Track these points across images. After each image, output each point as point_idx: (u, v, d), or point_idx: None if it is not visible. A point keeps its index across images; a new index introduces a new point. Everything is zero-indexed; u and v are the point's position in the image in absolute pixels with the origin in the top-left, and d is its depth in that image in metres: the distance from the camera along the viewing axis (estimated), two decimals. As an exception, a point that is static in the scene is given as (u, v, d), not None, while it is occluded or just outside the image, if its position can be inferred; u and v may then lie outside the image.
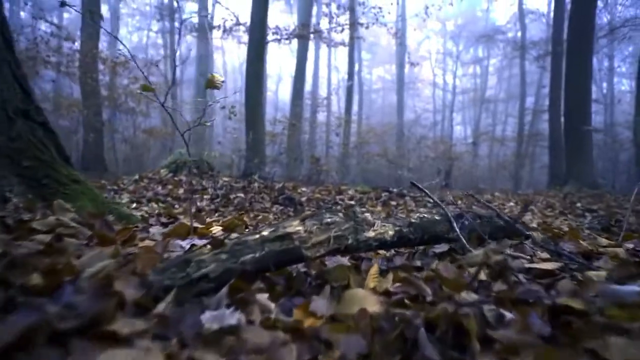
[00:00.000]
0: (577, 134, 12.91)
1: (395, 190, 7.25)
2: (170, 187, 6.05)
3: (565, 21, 20.91)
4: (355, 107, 32.70)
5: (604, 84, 30.70)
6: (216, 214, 4.74)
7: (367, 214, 1.68)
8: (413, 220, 1.85)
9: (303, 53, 19.51)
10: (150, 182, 6.39)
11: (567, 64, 13.48)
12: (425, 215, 2.00)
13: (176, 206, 5.09)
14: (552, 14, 26.16)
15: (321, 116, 25.06)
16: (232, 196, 5.71)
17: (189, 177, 6.71)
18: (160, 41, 30.58)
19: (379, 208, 5.77)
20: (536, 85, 31.06)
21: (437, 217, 1.99)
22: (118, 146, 15.57)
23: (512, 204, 6.83)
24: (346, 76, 21.73)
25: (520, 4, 28.18)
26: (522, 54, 26.33)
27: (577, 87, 13.08)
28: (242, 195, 5.73)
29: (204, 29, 19.57)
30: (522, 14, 28.05)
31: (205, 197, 5.61)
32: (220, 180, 6.66)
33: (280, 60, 44.28)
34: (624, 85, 38.50)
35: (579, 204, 7.26)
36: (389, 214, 5.38)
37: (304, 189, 6.66)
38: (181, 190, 5.77)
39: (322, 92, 32.06)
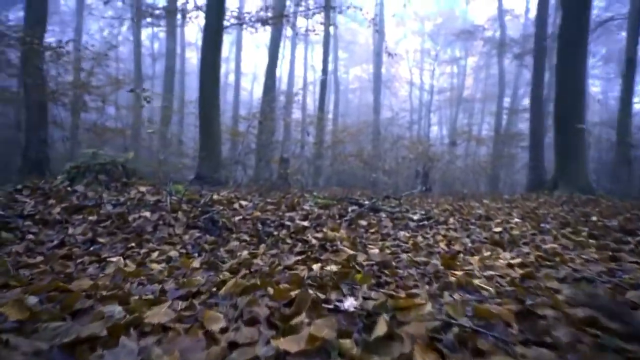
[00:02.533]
0: (570, 132, 11.27)
1: (366, 202, 5.43)
2: (52, 202, 4.16)
3: (550, 17, 19.50)
4: (331, 107, 30.98)
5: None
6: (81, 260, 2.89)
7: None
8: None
9: (275, 44, 17.57)
10: (31, 195, 4.49)
11: (559, 57, 11.83)
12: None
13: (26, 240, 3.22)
14: (530, 13, 24.76)
15: (296, 115, 23.24)
16: (133, 216, 3.85)
17: (87, 188, 4.81)
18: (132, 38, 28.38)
19: (342, 232, 3.97)
20: (512, 85, 29.73)
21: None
22: (60, 146, 13.42)
23: (517, 220, 5.10)
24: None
25: (500, 1, 26.72)
26: (500, 52, 24.90)
27: (571, 83, 11.43)
28: (148, 214, 3.88)
29: (167, 15, 17.48)
30: (501, 11, 26.58)
31: (90, 218, 3.73)
32: (133, 191, 4.79)
33: (255, 59, 42.36)
34: (596, 86, 37.67)
35: (594, 217, 5.54)
36: (353, 243, 3.56)
37: (243, 202, 4.86)
38: (56, 210, 3.87)
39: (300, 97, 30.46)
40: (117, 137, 15.20)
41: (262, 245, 3.36)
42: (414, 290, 1.93)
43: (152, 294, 1.82)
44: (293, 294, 1.65)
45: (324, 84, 17.83)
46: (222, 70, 38.40)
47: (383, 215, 5.04)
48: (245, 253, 3.08)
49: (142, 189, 5.01)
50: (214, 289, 1.78)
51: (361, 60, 41.29)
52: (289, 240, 3.56)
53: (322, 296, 1.67)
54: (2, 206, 3.91)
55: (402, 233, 4.07)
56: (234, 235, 3.65)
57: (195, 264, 2.80)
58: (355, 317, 1.47)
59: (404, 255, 3.04)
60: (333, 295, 1.76)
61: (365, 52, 38.31)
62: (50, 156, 12.11)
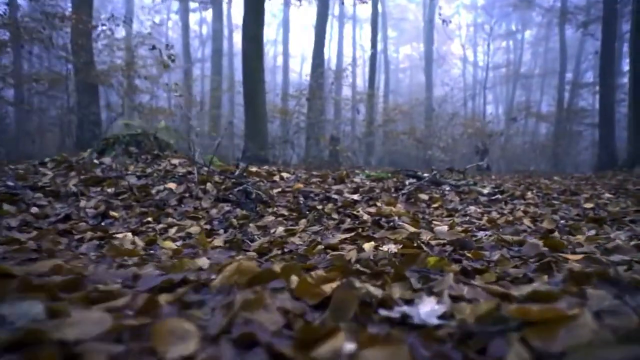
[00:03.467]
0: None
1: (426, 175, 4.66)
2: (72, 174, 3.69)
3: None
4: (381, 86, 29.90)
5: None
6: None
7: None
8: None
9: (322, 19, 16.69)
10: (55, 167, 4.05)
11: (635, 22, 10.44)
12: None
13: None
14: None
15: (345, 93, 22.40)
16: (157, 189, 3.31)
17: (114, 160, 4.32)
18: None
19: (399, 206, 3.27)
20: (575, 58, 27.54)
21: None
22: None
23: (608, 195, 4.20)
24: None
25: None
26: (562, 22, 22.92)
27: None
28: (173, 186, 3.33)
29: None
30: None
31: (109, 190, 3.22)
32: (164, 163, 4.27)
33: (303, 41, 41.65)
34: None
35: None
36: (415, 219, 2.83)
37: (285, 174, 4.23)
38: (73, 181, 3.37)
39: (349, 76, 29.53)
40: (167, 118, 14.98)
41: (303, 221, 2.72)
42: (523, 284, 1.21)
43: (122, 281, 1.20)
44: (329, 287, 0.98)
45: (373, 59, 16.82)
46: (270, 53, 38.01)
47: (447, 188, 4.27)
48: (280, 229, 2.45)
49: (175, 161, 4.48)
50: (213, 277, 1.14)
51: (411, 38, 39.73)
52: (335, 215, 2.90)
53: (377, 293, 0.98)
54: (16, 177, 3.47)
55: (472, 208, 3.33)
56: (270, 210, 3.03)
57: (218, 241, 2.19)
58: (445, 340, 0.76)
59: (481, 233, 2.31)
60: (396, 292, 1.06)
61: (415, 29, 36.77)
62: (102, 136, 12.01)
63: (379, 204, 3.34)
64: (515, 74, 29.56)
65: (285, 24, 32.04)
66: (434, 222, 2.78)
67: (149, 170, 3.97)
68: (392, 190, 4.03)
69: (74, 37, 11.68)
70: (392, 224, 2.55)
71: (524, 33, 32.47)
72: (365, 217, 2.87)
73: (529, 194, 4.08)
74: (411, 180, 4.57)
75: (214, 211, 2.97)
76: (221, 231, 2.55)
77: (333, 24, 34.17)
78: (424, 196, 3.82)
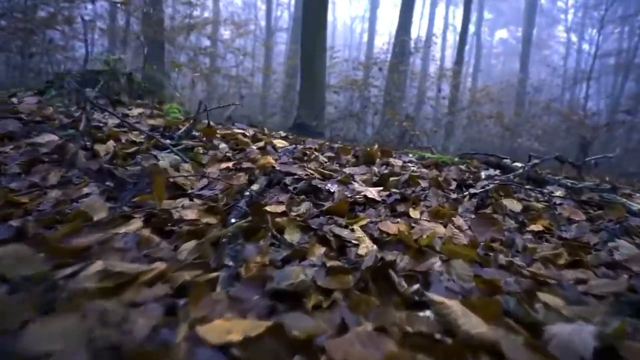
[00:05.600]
0: None
1: (518, 166, 2.69)
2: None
3: None
4: (470, 70, 26.90)
5: None
6: None
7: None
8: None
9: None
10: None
11: None
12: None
13: None
14: None
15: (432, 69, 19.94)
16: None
17: (42, 104, 2.80)
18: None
19: (458, 222, 1.48)
20: None
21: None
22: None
23: None
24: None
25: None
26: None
27: None
28: (46, 140, 1.76)
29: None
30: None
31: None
32: (133, 117, 2.69)
33: (392, 18, 38.95)
34: None
35: None
36: (486, 259, 0.98)
37: (280, 142, 2.47)
38: None
39: (436, 52, 26.64)
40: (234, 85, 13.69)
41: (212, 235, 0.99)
42: None
43: None
44: None
45: (465, 27, 14.18)
46: (357, 29, 35.82)
47: (556, 193, 2.30)
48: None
49: (137, 111, 2.90)
50: None
51: (508, 21, 35.67)
52: (294, 236, 1.15)
53: None
54: None
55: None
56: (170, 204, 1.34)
57: None
58: None
59: None
60: None
61: (514, 10, 32.80)
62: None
63: (416, 212, 1.54)
64: (628, 64, 25.14)
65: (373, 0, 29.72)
66: (540, 276, 0.97)
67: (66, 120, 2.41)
68: (454, 186, 2.16)
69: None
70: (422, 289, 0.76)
71: (643, 18, 27.56)
72: (365, 248, 1.12)
73: None
74: (491, 171, 2.67)
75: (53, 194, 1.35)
76: None
77: (425, 3, 31.37)
78: (513, 204, 1.93)
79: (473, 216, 1.76)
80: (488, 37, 36.16)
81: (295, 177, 1.87)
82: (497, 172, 2.67)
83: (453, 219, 1.61)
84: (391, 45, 12.81)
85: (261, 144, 2.42)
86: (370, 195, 1.73)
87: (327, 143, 3.00)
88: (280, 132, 4.11)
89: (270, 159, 1.92)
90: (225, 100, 13.98)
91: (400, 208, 1.68)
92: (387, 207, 1.67)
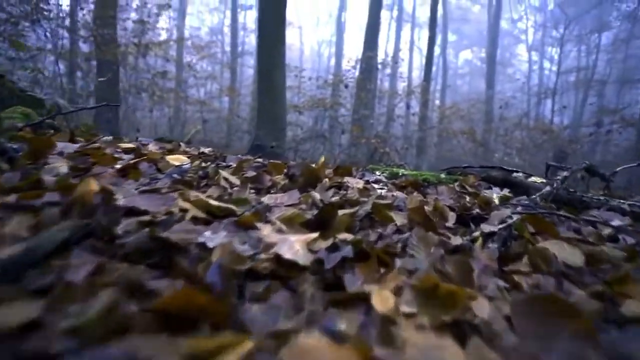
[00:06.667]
0: None
1: (541, 183, 1.79)
2: None
3: None
4: (438, 87, 26.62)
5: None
6: None
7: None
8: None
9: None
10: None
11: None
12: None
13: None
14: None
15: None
16: None
17: None
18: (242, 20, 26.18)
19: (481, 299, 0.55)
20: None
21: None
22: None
23: None
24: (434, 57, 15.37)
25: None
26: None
27: None
28: None
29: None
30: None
31: None
32: None
33: (359, 43, 38.93)
34: None
35: None
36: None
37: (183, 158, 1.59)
38: None
39: (404, 71, 26.14)
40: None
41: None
42: None
43: None
44: None
45: (431, 42, 13.53)
46: (325, 53, 35.39)
47: (612, 221, 1.39)
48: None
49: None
50: None
51: (472, 44, 35.90)
52: None
53: None
54: None
55: None
56: None
57: None
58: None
59: None
60: None
61: (476, 33, 33.02)
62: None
63: (385, 292, 0.61)
64: (588, 81, 25.23)
65: (339, 24, 29.38)
66: None
67: None
68: (452, 220, 1.23)
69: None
70: None
71: (600, 37, 27.94)
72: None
73: None
74: (497, 190, 1.76)
75: None
76: None
77: (391, 25, 31.15)
78: (565, 251, 1.02)
79: (502, 283, 0.84)
80: (453, 58, 36.26)
81: (147, 217, 0.92)
82: (507, 191, 1.78)
83: (472, 305, 0.68)
84: (358, 63, 12.06)
85: (142, 160, 1.46)
86: (287, 256, 0.78)
87: (260, 159, 2.06)
88: (232, 155, 3.15)
89: (93, 185, 0.95)
90: (191, 124, 13.01)
91: (352, 281, 0.74)
92: (322, 280, 0.73)
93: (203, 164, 1.60)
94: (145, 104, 12.17)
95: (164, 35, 13.98)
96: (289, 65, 14.25)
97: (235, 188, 1.32)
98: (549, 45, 30.13)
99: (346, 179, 1.58)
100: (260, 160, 1.97)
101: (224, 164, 1.73)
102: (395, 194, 1.45)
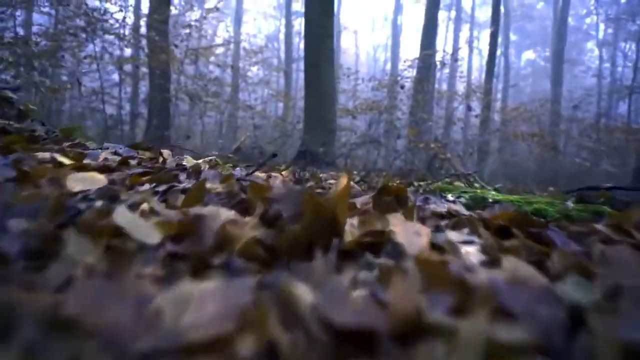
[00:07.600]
0: None
1: None
2: None
3: None
4: (499, 88, 25.02)
5: None
6: None
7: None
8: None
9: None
10: None
11: None
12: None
13: None
14: None
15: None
16: None
17: None
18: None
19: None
20: None
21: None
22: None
23: None
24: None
25: None
26: None
27: None
28: None
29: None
30: None
31: None
32: None
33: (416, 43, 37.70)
34: None
35: None
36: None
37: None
38: None
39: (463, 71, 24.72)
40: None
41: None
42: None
43: None
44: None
45: (494, 39, 12.40)
46: (381, 58, 34.45)
47: None
48: None
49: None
50: None
51: (535, 44, 33.67)
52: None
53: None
54: None
55: None
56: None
57: None
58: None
59: None
60: None
61: (540, 30, 30.92)
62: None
63: None
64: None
65: (395, 27, 28.42)
66: None
67: None
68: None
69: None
70: None
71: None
72: None
73: None
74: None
75: None
76: None
77: (449, 27, 29.75)
78: None
79: None
80: (515, 58, 34.19)
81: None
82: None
83: None
84: (415, 62, 11.22)
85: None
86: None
87: (247, 179, 1.41)
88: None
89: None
90: (243, 131, 12.70)
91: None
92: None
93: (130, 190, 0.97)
94: (196, 111, 11.97)
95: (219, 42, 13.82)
96: (342, 67, 13.65)
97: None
98: (621, 40, 27.55)
99: (392, 221, 0.83)
100: (248, 179, 1.33)
101: (186, 184, 1.11)
102: (505, 266, 0.67)
